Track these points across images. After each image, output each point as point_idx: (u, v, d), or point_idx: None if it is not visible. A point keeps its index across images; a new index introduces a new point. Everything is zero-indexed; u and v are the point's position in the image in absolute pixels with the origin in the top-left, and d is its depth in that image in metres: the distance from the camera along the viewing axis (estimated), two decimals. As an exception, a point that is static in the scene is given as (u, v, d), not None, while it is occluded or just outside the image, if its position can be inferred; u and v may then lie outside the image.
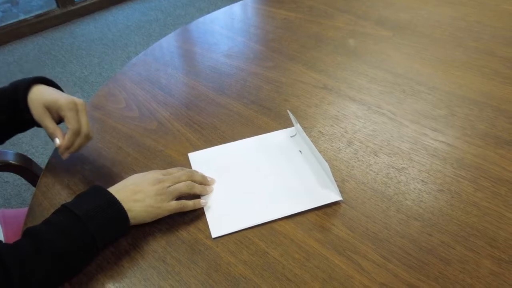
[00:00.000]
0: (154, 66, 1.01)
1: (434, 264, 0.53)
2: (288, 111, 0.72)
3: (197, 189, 0.63)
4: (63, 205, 0.54)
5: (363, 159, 0.69)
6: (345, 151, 0.71)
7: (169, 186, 0.60)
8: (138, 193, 0.57)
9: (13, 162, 0.86)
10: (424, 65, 0.92)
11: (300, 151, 0.70)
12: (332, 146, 0.72)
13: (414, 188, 0.63)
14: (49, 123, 0.64)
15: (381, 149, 0.71)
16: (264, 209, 0.61)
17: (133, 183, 0.59)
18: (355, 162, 0.69)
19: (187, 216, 0.61)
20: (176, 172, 0.63)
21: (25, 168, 0.86)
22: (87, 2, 2.99)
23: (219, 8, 1.30)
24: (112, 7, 3.12)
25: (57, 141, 0.64)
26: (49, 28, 2.84)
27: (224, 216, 0.61)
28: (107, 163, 0.72)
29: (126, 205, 0.55)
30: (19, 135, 0.83)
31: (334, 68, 0.93)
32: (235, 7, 1.29)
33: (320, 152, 0.71)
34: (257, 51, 1.04)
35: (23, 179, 0.89)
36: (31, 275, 0.47)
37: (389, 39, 1.03)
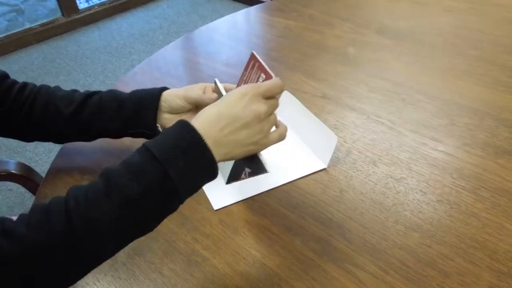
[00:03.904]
0: (155, 75, 1.01)
1: (433, 276, 0.52)
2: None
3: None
4: (143, 144, 0.46)
5: (362, 169, 0.69)
6: (343, 161, 0.71)
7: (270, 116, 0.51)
8: (237, 129, 0.48)
9: (14, 171, 0.87)
10: (424, 74, 0.92)
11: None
12: (331, 156, 0.72)
13: (413, 199, 0.63)
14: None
15: (380, 159, 0.70)
16: (256, 182, 0.66)
17: (230, 115, 0.48)
18: (353, 172, 0.68)
19: (184, 226, 0.61)
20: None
21: (26, 178, 0.87)
22: (92, 11, 3.02)
23: (222, 15, 1.30)
24: (116, 16, 3.14)
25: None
26: (54, 37, 2.87)
27: (222, 190, 0.66)
28: (106, 173, 0.72)
29: (214, 141, 0.47)
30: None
31: (334, 77, 0.94)
32: (238, 16, 1.30)
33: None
34: (257, 60, 1.04)
35: (26, 188, 0.90)
36: (96, 221, 0.42)
37: (389, 48, 1.03)
